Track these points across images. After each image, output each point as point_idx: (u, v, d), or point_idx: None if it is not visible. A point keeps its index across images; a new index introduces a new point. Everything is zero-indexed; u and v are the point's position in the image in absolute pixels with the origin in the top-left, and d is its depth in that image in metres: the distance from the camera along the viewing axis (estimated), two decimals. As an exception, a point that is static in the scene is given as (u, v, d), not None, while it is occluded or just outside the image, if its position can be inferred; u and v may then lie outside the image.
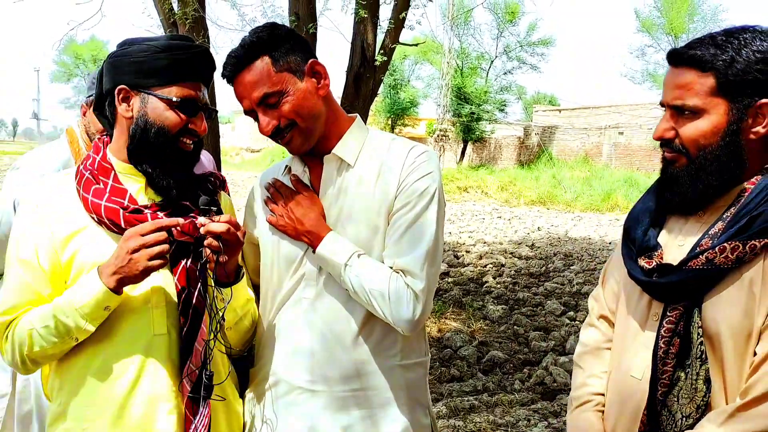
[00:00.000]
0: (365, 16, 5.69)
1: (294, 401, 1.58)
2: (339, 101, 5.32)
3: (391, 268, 1.51)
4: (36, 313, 1.41)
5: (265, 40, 1.50)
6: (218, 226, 1.42)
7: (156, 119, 1.46)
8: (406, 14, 6.07)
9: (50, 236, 1.44)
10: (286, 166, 1.69)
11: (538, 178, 21.65)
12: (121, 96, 1.48)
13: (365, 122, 4.19)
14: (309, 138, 1.55)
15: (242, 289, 1.57)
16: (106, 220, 1.43)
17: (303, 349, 1.57)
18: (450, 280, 8.09)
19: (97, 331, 1.42)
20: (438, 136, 27.99)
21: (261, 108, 1.51)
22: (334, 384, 1.56)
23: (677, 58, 1.36)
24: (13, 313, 1.43)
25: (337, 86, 6.12)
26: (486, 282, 8.02)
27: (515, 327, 6.06)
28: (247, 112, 1.55)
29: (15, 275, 1.45)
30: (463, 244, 11.19)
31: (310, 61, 1.54)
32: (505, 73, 33.50)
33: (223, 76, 1.54)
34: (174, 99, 1.46)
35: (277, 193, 1.63)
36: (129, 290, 1.44)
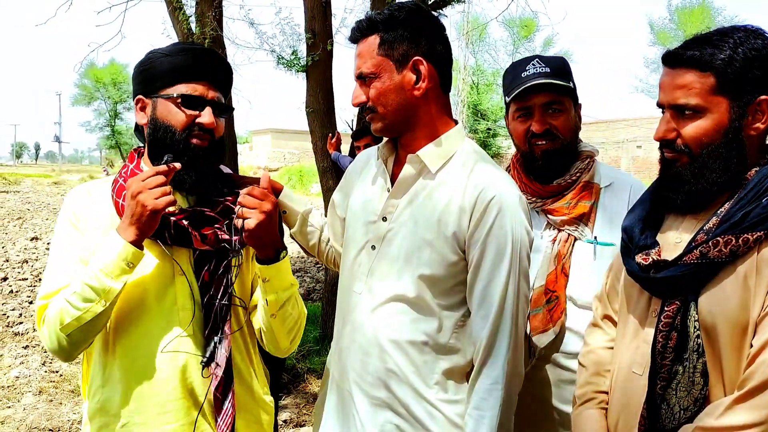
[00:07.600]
0: (380, 32, 5.68)
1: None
2: (355, 118, 5.35)
3: None
4: (67, 288, 1.45)
5: (382, 20, 1.49)
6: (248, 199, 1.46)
7: (164, 119, 1.52)
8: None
9: (87, 234, 1.52)
10: (379, 148, 1.66)
11: (555, 192, 21.44)
12: (138, 105, 1.57)
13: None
14: (387, 127, 1.55)
15: (285, 273, 1.54)
16: None
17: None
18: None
19: (132, 330, 1.49)
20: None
21: (358, 81, 1.55)
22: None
23: (674, 59, 1.36)
24: (51, 296, 1.48)
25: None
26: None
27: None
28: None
29: (56, 262, 1.52)
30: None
31: (414, 59, 1.48)
32: (521, 88, 33.43)
33: (350, 39, 1.58)
34: (175, 95, 1.50)
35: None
36: (159, 292, 1.50)
